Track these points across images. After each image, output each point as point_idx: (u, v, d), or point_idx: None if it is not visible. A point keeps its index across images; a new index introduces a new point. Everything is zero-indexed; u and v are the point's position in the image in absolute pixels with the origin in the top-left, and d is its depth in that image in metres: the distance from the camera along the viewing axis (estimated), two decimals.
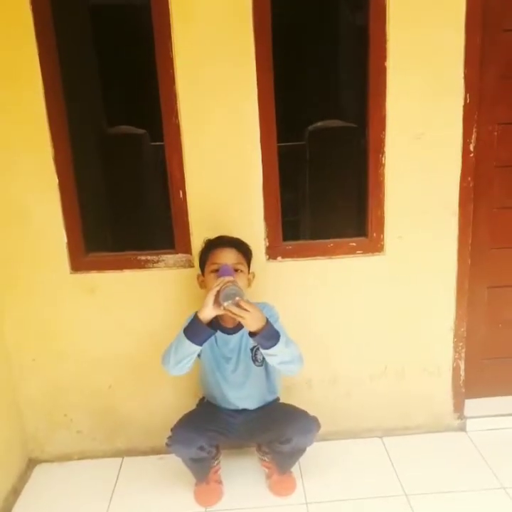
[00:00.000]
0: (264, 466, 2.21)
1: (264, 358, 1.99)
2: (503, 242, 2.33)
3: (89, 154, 2.66)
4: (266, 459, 2.20)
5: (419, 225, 2.19)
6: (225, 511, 2.05)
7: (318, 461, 2.26)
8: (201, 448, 1.98)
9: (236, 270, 1.94)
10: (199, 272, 2.04)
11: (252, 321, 1.81)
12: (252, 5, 1.95)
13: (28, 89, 1.99)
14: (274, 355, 1.88)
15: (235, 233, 2.10)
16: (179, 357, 1.89)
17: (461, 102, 2.07)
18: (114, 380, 2.30)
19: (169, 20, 1.95)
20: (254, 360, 2.05)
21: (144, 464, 2.31)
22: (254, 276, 2.05)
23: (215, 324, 1.97)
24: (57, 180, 2.08)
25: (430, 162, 2.13)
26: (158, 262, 2.18)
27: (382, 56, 2.01)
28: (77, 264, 2.18)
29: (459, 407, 2.41)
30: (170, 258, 2.18)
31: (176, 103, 2.02)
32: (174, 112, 2.03)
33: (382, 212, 2.18)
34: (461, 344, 2.33)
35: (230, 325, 2.03)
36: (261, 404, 2.12)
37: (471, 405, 2.44)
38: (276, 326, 1.91)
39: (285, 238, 2.21)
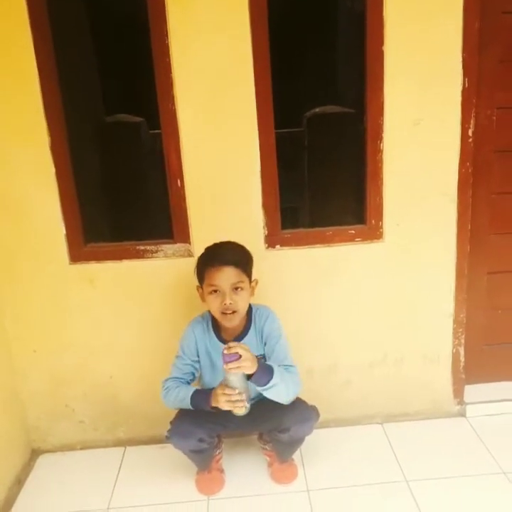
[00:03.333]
0: (265, 455, 2.22)
1: None
2: (503, 227, 2.33)
3: (87, 143, 2.64)
4: (267, 447, 2.21)
5: (417, 211, 2.18)
6: (226, 499, 2.06)
7: (318, 448, 2.27)
8: (201, 440, 1.98)
9: (237, 288, 1.88)
10: (198, 284, 1.97)
11: (251, 363, 1.78)
12: None
13: (24, 79, 1.98)
14: (269, 389, 1.84)
15: (233, 221, 2.09)
16: (178, 405, 1.97)
17: (460, 87, 2.05)
18: (115, 370, 2.31)
19: (164, 6, 1.93)
20: None
21: (146, 453, 2.32)
22: (257, 283, 1.99)
23: (216, 334, 1.99)
24: (54, 171, 2.07)
25: (428, 148, 2.12)
26: (157, 251, 2.18)
27: (380, 41, 1.99)
28: (76, 255, 2.17)
29: (458, 393, 2.42)
30: (169, 248, 2.17)
31: (172, 90, 2.01)
32: (170, 99, 2.02)
33: (381, 200, 2.17)
34: (460, 330, 2.33)
35: (230, 338, 1.99)
36: (260, 396, 2.09)
37: (471, 391, 2.45)
38: (274, 326, 1.98)
39: (284, 226, 2.20)
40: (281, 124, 2.22)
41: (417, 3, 1.97)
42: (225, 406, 1.83)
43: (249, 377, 1.82)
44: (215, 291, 1.88)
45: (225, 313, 1.90)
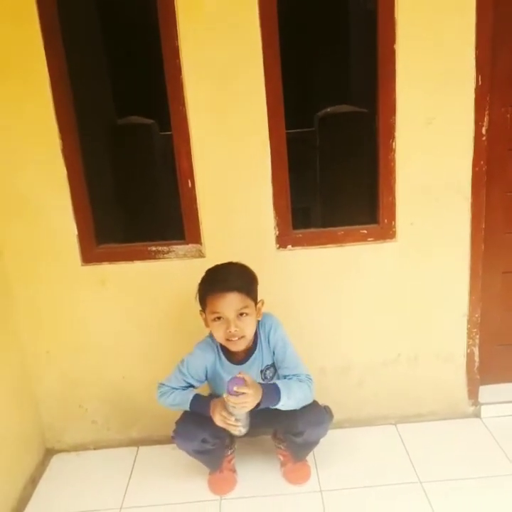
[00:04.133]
0: (279, 454, 2.21)
1: (274, 376, 1.99)
2: None
3: (98, 145, 2.65)
4: (281, 446, 2.20)
5: (431, 210, 2.16)
6: (239, 499, 2.06)
7: (332, 448, 2.26)
8: (204, 440, 1.96)
9: (242, 314, 1.82)
10: (200, 309, 1.92)
11: (254, 401, 1.77)
12: None
13: (35, 82, 1.99)
14: (279, 407, 1.84)
15: (245, 222, 2.08)
16: (175, 408, 1.97)
17: (473, 85, 2.02)
18: (128, 371, 2.32)
19: (174, 8, 1.93)
20: (264, 378, 2.00)
21: (159, 453, 2.33)
22: (263, 304, 1.92)
23: (225, 356, 1.97)
24: (66, 173, 2.08)
25: (442, 146, 2.10)
26: (168, 252, 2.18)
27: (391, 39, 1.97)
28: (88, 256, 2.18)
29: (473, 394, 2.39)
30: (180, 249, 2.17)
31: (182, 91, 2.01)
32: (181, 101, 2.02)
33: (394, 199, 2.15)
34: (475, 330, 2.31)
35: (241, 357, 1.97)
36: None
37: (486, 391, 2.42)
38: (278, 336, 1.95)
39: (295, 226, 2.19)
40: (293, 124, 2.21)
41: (430, 1, 1.94)
42: (219, 424, 1.82)
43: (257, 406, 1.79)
44: (219, 318, 1.82)
45: (231, 340, 1.85)
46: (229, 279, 1.82)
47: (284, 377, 1.96)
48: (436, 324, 2.30)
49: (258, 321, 1.95)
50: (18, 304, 2.22)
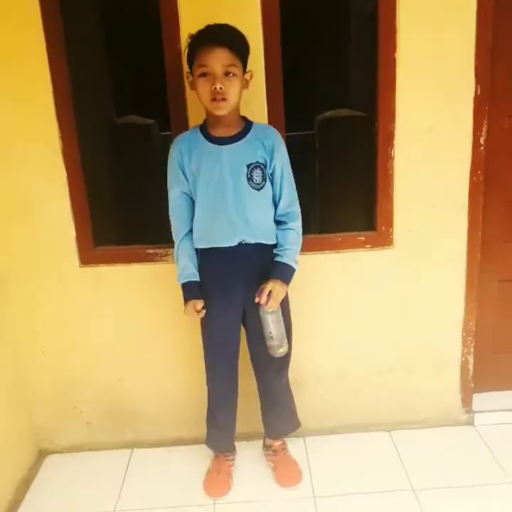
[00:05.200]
0: (269, 461, 2.22)
1: (262, 182, 1.85)
2: None
3: (98, 145, 2.64)
4: (270, 452, 2.22)
5: (428, 218, 2.17)
6: (232, 504, 2.06)
7: (326, 454, 2.27)
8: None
9: (228, 73, 1.71)
10: (188, 70, 1.80)
11: (282, 290, 1.88)
12: None
13: (36, 83, 1.99)
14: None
15: None
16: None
17: (472, 94, 2.03)
18: (123, 373, 2.32)
19: (177, 8, 1.93)
20: (249, 179, 1.83)
21: (153, 456, 2.33)
22: (251, 76, 1.82)
23: (205, 133, 1.84)
24: (65, 174, 2.09)
25: (440, 155, 2.11)
26: (166, 255, 2.18)
27: (392, 48, 1.98)
28: (86, 258, 2.18)
29: (467, 402, 2.40)
30: None
31: (184, 92, 2.00)
32: (181, 101, 2.02)
33: (392, 206, 2.16)
34: (470, 338, 2.32)
35: (221, 133, 1.83)
36: (259, 241, 1.90)
37: (480, 399, 2.43)
38: (282, 157, 1.88)
39: None
40: (293, 126, 2.21)
41: (430, 11, 1.96)
42: (186, 313, 1.93)
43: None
44: (205, 74, 1.72)
45: (215, 100, 1.74)
46: (219, 33, 1.74)
47: (279, 215, 1.92)
48: (432, 331, 2.31)
49: (253, 122, 1.88)
50: (14, 304, 2.21)
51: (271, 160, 1.86)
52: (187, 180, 1.87)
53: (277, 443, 2.22)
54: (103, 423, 2.38)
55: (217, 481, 2.14)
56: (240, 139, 1.83)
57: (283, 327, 1.90)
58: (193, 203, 1.89)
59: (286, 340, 1.91)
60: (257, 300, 1.83)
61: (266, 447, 2.25)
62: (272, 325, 1.86)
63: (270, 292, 1.83)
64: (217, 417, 2.12)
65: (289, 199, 1.91)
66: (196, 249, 1.96)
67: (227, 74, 1.72)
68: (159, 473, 2.23)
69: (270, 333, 1.87)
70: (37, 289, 2.21)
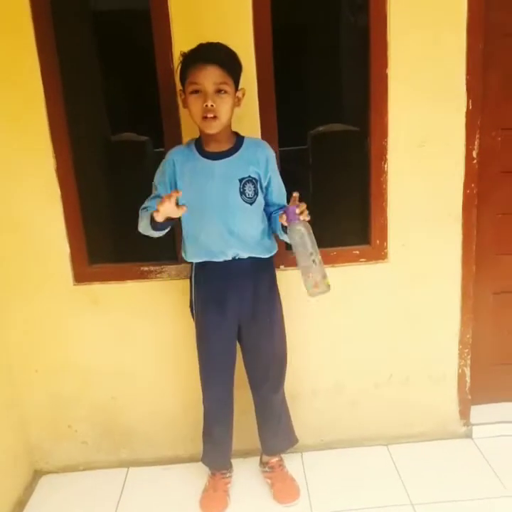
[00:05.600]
0: (266, 478, 2.21)
1: (254, 196, 1.85)
2: (508, 247, 2.32)
3: (92, 162, 2.65)
4: (267, 469, 2.21)
5: (422, 232, 2.18)
6: None
7: (323, 470, 2.25)
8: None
9: (219, 91, 1.72)
10: (180, 88, 1.81)
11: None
12: (251, 7, 1.94)
13: (29, 100, 1.99)
14: None
15: None
16: (148, 231, 1.84)
17: (464, 108, 2.05)
18: (118, 392, 2.30)
19: (170, 27, 1.95)
20: (242, 193, 1.84)
21: (149, 475, 2.30)
22: (244, 94, 1.83)
23: (199, 148, 1.85)
24: (59, 193, 2.08)
25: (433, 169, 2.12)
26: (160, 272, 2.17)
27: (384, 64, 2.00)
28: (80, 276, 2.17)
29: (464, 414, 2.39)
30: (173, 269, 2.17)
31: (177, 110, 2.01)
32: (174, 118, 2.03)
33: (386, 220, 2.17)
34: (466, 351, 2.32)
35: (214, 149, 1.84)
36: (253, 255, 1.91)
37: (477, 412, 2.42)
38: (275, 167, 1.89)
39: (288, 247, 2.19)
40: (286, 141, 2.22)
41: (421, 26, 1.98)
42: (160, 207, 1.67)
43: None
44: (197, 91, 1.73)
45: (206, 118, 1.74)
46: (211, 51, 1.75)
47: (271, 207, 1.92)
48: (428, 345, 2.31)
49: (244, 137, 1.88)
50: (7, 321, 2.20)
51: (265, 172, 1.87)
52: (170, 188, 1.86)
53: (274, 459, 2.21)
54: (98, 442, 2.35)
55: (214, 499, 2.12)
56: (232, 155, 1.85)
57: (321, 263, 1.72)
58: None
59: (326, 275, 1.72)
60: (284, 218, 1.70)
61: (263, 464, 2.23)
62: (306, 254, 1.69)
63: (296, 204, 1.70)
64: (213, 434, 2.10)
65: (282, 199, 1.93)
66: (191, 264, 1.96)
67: (218, 91, 1.73)
68: (155, 492, 2.21)
69: (311, 253, 1.69)
70: (30, 306, 2.19)
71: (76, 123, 2.13)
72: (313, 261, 1.70)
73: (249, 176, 1.85)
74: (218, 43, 1.77)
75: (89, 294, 2.18)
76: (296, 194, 1.72)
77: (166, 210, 1.68)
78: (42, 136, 2.03)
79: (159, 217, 1.71)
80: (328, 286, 1.74)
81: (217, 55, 1.73)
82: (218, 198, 1.83)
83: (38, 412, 2.31)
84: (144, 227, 1.86)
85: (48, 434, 2.33)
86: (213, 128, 1.77)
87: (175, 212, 1.71)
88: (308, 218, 1.72)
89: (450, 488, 2.13)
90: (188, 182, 1.85)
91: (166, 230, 1.84)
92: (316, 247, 1.72)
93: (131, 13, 2.34)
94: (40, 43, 1.95)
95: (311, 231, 1.72)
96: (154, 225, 1.77)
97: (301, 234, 1.69)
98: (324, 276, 1.73)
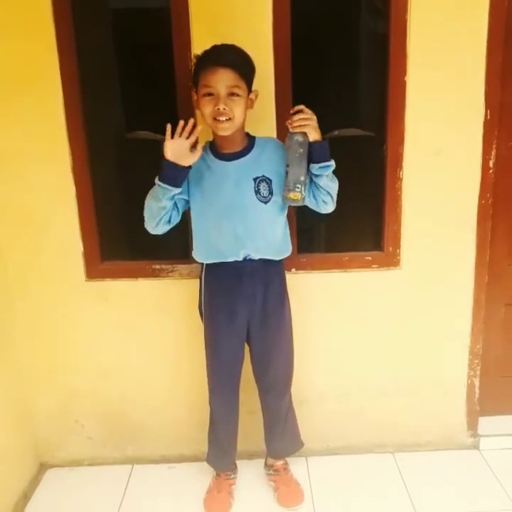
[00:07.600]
0: (271, 481, 2.21)
1: (269, 195, 1.84)
2: None
3: (108, 160, 2.66)
4: (271, 472, 2.21)
5: (436, 240, 2.17)
6: None
7: (328, 475, 2.25)
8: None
9: (232, 94, 1.72)
10: (193, 89, 1.81)
11: (313, 125, 1.71)
12: (272, 10, 1.94)
13: (48, 99, 2.01)
14: (328, 168, 1.80)
15: None
16: (156, 211, 1.82)
17: (482, 118, 2.04)
18: (126, 388, 2.31)
19: (189, 24, 1.94)
20: (257, 192, 1.84)
21: (154, 473, 2.31)
22: (257, 96, 1.82)
23: (213, 150, 1.86)
24: (75, 191, 2.10)
25: (449, 178, 2.11)
26: (172, 271, 2.18)
27: (402, 71, 1.99)
28: (93, 272, 2.19)
29: (472, 425, 2.38)
30: (184, 268, 2.18)
31: (194, 110, 2.00)
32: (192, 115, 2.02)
33: (399, 227, 2.16)
34: (476, 361, 2.30)
35: (228, 150, 1.85)
36: (265, 256, 1.91)
37: (485, 423, 2.41)
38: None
39: (300, 250, 2.20)
40: None
41: (441, 35, 1.97)
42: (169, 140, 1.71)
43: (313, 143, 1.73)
44: (210, 94, 1.73)
45: (218, 120, 1.74)
46: (224, 54, 1.74)
47: None
48: (438, 354, 2.30)
49: (256, 137, 1.89)
50: (19, 318, 2.22)
51: (279, 167, 1.84)
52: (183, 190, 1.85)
53: (279, 463, 2.20)
54: (105, 438, 2.37)
55: (218, 500, 2.12)
56: (245, 155, 1.86)
57: (303, 173, 1.74)
58: (177, 207, 1.87)
59: (301, 187, 1.75)
60: (288, 122, 1.72)
61: (267, 466, 2.23)
62: (291, 155, 1.72)
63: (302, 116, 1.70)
64: (218, 435, 2.11)
65: None
66: (201, 264, 1.97)
67: (231, 94, 1.73)
68: (159, 490, 2.22)
69: (287, 165, 1.74)
70: (42, 302, 2.21)
71: (92, 121, 2.14)
72: (286, 171, 1.75)
73: (263, 175, 1.85)
74: (232, 46, 1.77)
75: (101, 291, 2.20)
76: (301, 106, 1.73)
77: (177, 147, 1.70)
78: (59, 135, 2.04)
79: (168, 153, 1.70)
80: (290, 199, 1.78)
81: (230, 58, 1.73)
82: (234, 198, 1.83)
83: (45, 406, 2.32)
84: (149, 201, 1.84)
85: (54, 428, 2.35)
86: (226, 130, 1.78)
87: (187, 156, 1.71)
88: (301, 128, 1.71)
89: (455, 499, 2.11)
90: (202, 184, 1.86)
91: (172, 194, 1.76)
92: (301, 170, 1.74)
93: (149, 11, 2.35)
94: (59, 44, 1.96)
95: (304, 158, 1.74)
96: (161, 175, 1.73)
97: (286, 145, 1.75)
98: (289, 189, 1.76)
